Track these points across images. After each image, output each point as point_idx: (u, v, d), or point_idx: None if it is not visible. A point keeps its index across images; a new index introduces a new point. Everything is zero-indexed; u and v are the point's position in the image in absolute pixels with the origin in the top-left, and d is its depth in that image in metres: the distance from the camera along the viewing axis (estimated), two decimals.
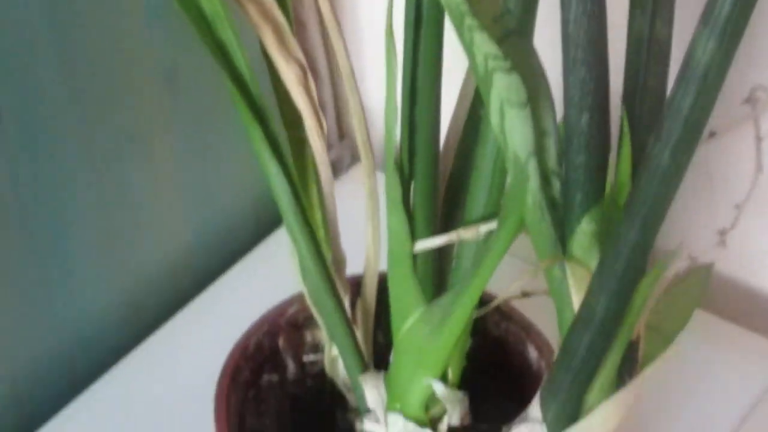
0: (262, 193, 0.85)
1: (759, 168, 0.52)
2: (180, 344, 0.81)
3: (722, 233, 0.56)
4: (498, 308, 0.63)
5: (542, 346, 0.61)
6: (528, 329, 0.61)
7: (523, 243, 0.51)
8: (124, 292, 0.79)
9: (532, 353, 0.61)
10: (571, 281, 0.49)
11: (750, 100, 0.48)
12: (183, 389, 0.78)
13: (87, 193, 0.73)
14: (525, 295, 0.65)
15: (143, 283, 0.80)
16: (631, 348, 0.51)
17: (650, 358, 0.52)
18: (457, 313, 0.53)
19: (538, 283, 0.66)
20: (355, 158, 0.95)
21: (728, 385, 0.76)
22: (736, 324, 0.80)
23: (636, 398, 0.51)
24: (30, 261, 0.72)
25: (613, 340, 0.48)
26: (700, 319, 0.50)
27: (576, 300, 0.49)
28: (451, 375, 0.56)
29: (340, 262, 0.59)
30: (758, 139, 0.49)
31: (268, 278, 0.81)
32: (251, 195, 0.87)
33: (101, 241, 0.76)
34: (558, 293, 0.50)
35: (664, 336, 0.53)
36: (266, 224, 0.88)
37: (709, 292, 0.57)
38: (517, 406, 0.55)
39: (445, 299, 0.54)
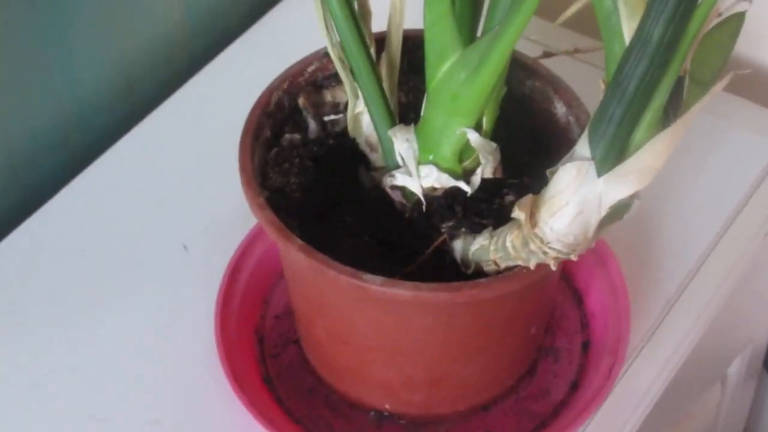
0: None
1: None
2: (188, 113, 0.79)
3: None
4: (523, 65, 0.61)
5: (571, 100, 0.59)
6: (556, 84, 0.60)
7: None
8: (123, 67, 0.76)
9: (560, 109, 0.60)
10: (623, 10, 0.47)
11: None
12: (196, 154, 0.76)
13: None
14: (547, 54, 0.64)
15: (144, 57, 0.78)
16: (678, 84, 0.49)
17: (688, 105, 0.51)
18: (497, 52, 0.51)
19: (558, 42, 0.65)
20: None
21: (738, 156, 0.76)
22: (745, 98, 0.80)
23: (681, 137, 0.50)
24: (28, 35, 0.69)
25: (667, 70, 0.46)
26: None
27: (627, 30, 0.48)
28: (485, 124, 0.55)
29: (366, 14, 0.57)
30: None
31: (272, 50, 0.79)
32: None
33: (98, 14, 0.73)
34: (607, 25, 0.48)
35: (701, 83, 0.52)
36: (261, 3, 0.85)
37: None
38: (545, 162, 0.54)
39: (483, 40, 0.52)
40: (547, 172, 0.51)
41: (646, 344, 0.66)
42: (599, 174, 0.49)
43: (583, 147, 0.49)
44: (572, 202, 0.49)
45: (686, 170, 0.75)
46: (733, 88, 0.81)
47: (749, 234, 0.72)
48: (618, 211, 0.51)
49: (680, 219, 0.72)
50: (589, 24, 0.75)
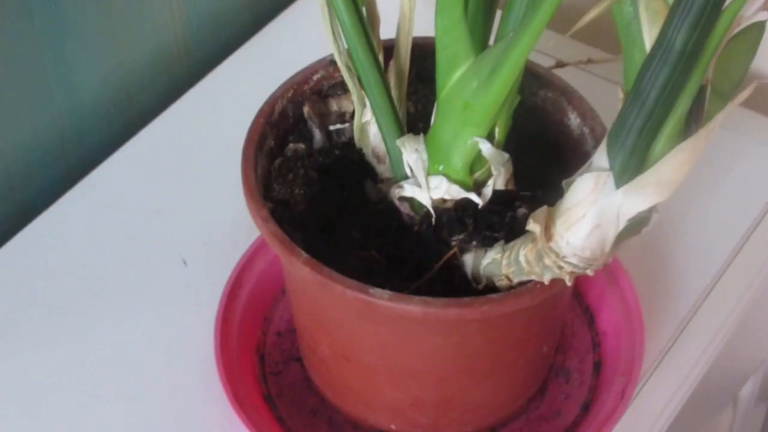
0: None
1: None
2: (188, 124, 0.77)
3: None
4: (536, 75, 0.59)
5: (585, 111, 0.57)
6: (569, 95, 0.58)
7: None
8: (122, 77, 0.75)
9: (574, 120, 0.58)
10: (643, 16, 0.46)
11: None
12: (196, 166, 0.74)
13: None
14: (560, 64, 0.62)
15: (144, 67, 0.76)
16: (700, 93, 0.47)
17: (710, 115, 0.49)
18: (511, 60, 0.49)
19: (571, 55, 0.63)
20: None
21: (753, 173, 0.74)
22: (761, 113, 0.78)
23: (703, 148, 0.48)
24: (25, 45, 0.67)
25: (689, 78, 0.45)
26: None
27: (648, 38, 0.46)
28: (497, 134, 0.53)
29: (374, 21, 0.55)
30: None
31: (275, 59, 0.77)
32: None
33: (97, 24, 0.71)
34: (627, 32, 0.47)
35: (722, 93, 0.50)
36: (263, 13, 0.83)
37: None
38: (558, 174, 0.52)
39: (497, 47, 0.50)
40: (564, 183, 0.49)
41: (659, 365, 0.64)
42: (618, 185, 0.47)
43: (601, 158, 0.47)
44: (589, 215, 0.47)
45: (701, 186, 0.73)
46: (751, 103, 0.79)
47: (765, 252, 0.70)
48: (636, 225, 0.49)
49: (695, 236, 0.70)
50: (602, 37, 0.73)
